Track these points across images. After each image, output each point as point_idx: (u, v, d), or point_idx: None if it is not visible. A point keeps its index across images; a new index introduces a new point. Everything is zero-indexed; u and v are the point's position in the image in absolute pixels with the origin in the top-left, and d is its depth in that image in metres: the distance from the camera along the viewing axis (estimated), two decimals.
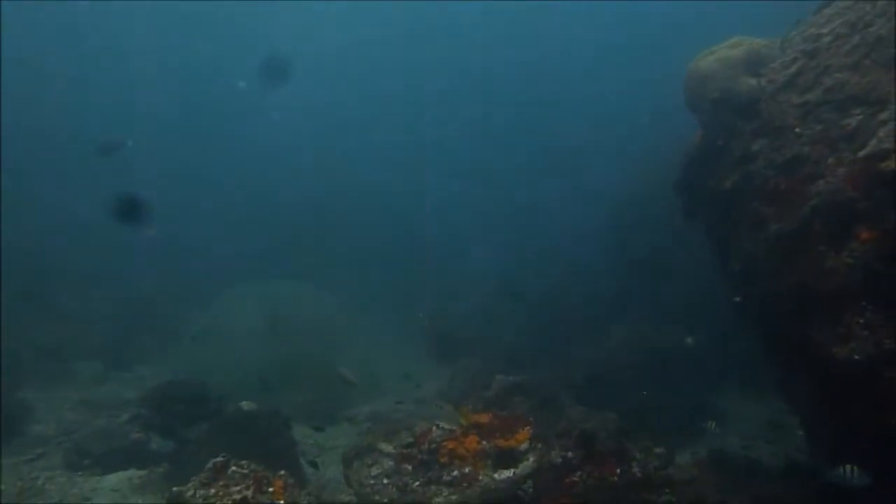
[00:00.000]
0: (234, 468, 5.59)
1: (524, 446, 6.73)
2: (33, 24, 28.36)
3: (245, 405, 8.82)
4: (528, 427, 6.97)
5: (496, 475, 6.45)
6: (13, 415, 10.01)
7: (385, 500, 6.07)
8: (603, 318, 13.14)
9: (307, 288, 14.38)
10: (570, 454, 6.43)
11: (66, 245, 19.04)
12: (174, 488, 5.45)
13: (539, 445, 6.73)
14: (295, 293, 13.99)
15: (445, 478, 6.41)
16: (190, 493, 5.33)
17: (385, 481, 6.40)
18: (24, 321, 13.69)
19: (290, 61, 24.84)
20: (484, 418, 7.35)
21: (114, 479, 8.32)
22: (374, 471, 6.62)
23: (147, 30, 31.62)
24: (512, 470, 6.49)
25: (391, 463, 6.73)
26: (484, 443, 6.80)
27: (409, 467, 6.61)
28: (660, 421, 8.64)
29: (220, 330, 13.48)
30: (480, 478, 6.40)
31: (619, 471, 6.09)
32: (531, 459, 6.56)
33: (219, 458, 5.62)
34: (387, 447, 7.11)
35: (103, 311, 15.54)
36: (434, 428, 6.97)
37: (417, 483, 6.36)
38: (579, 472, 6.26)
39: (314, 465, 8.30)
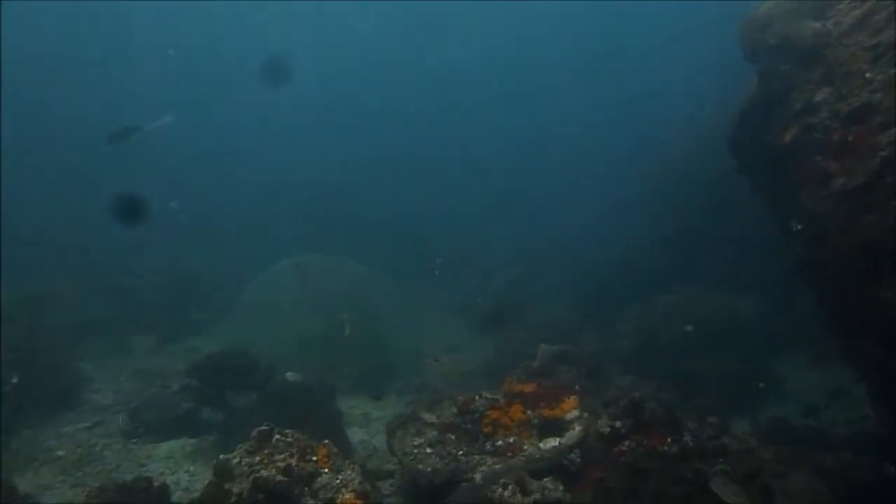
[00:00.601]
0: (277, 437, 5.60)
1: (570, 415, 6.56)
2: (33, 24, 28.64)
3: (290, 376, 8.93)
4: (574, 396, 6.79)
5: (541, 444, 6.31)
6: (73, 385, 10.43)
7: (428, 469, 6.01)
8: (649, 287, 12.75)
9: (346, 260, 14.43)
10: (618, 423, 6.24)
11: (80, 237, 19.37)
12: (221, 456, 5.51)
13: (586, 415, 6.55)
14: (336, 265, 14.07)
15: (489, 447, 6.31)
16: (236, 460, 5.38)
17: (428, 450, 6.34)
18: (79, 296, 14.20)
19: (291, 60, 24.73)
20: (529, 388, 7.20)
21: (167, 447, 8.57)
22: (418, 440, 6.57)
23: (147, 30, 31.74)
24: (558, 439, 6.33)
25: (434, 432, 6.67)
26: (529, 412, 6.66)
27: (453, 437, 6.54)
28: (715, 389, 8.34)
29: (266, 302, 13.70)
30: (525, 447, 6.27)
31: (669, 440, 5.87)
32: (577, 429, 6.39)
33: (263, 427, 5.64)
34: (430, 417, 7.06)
35: (152, 288, 15.96)
36: (477, 397, 6.86)
37: (461, 452, 6.28)
38: (628, 442, 6.08)
39: (374, 448, 8.35)
